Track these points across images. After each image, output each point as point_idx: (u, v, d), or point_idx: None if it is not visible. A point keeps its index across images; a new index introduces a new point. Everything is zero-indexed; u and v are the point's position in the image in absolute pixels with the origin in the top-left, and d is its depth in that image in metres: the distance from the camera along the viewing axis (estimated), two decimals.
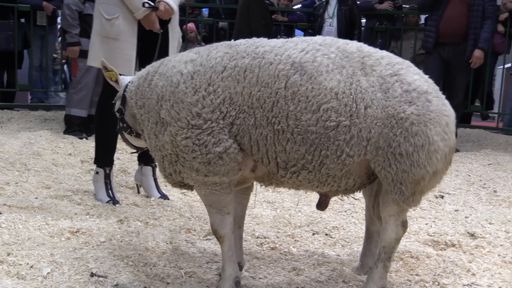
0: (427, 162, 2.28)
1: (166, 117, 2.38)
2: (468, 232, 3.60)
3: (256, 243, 3.29)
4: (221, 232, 2.52)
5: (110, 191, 3.98)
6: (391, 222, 2.46)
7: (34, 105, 8.76)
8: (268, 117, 2.29)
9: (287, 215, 3.87)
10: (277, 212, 3.98)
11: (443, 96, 2.42)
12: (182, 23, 9.20)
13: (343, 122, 2.28)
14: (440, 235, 3.55)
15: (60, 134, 6.59)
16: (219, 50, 2.44)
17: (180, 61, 2.48)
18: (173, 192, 4.34)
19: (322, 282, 2.74)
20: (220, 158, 2.33)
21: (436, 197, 4.59)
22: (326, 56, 2.35)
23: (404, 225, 2.49)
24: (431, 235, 3.57)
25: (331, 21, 8.40)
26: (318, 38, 2.46)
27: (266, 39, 2.51)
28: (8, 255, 2.82)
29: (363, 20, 9.61)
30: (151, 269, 2.77)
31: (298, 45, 2.40)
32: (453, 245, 3.39)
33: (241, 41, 2.50)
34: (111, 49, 3.60)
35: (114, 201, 3.94)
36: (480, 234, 3.56)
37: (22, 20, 8.60)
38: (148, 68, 2.62)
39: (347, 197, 2.70)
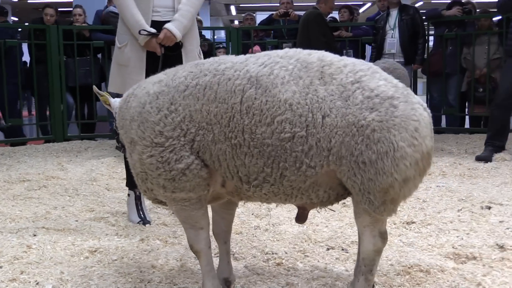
0: (393, 170, 2.19)
1: (135, 137, 2.49)
2: (497, 244, 3.36)
3: (262, 259, 3.28)
4: (196, 247, 2.57)
5: (141, 212, 4.15)
6: (367, 233, 2.39)
7: (112, 134, 9.30)
8: (225, 132, 2.33)
9: (310, 231, 3.83)
10: (303, 228, 3.95)
11: (416, 100, 2.31)
12: (248, 46, 9.46)
13: (299, 133, 2.25)
14: (466, 248, 3.35)
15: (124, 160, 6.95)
16: (185, 69, 2.52)
17: (150, 82, 2.59)
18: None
19: None
20: (184, 175, 2.39)
21: (482, 208, 4.32)
22: (284, 68, 2.34)
23: (382, 236, 2.40)
24: (455, 248, 3.37)
25: (392, 33, 8.23)
26: (280, 51, 2.47)
27: (232, 56, 2.55)
28: (21, 273, 3.04)
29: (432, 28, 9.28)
30: (145, 285, 2.87)
31: (259, 60, 2.42)
32: (474, 258, 3.18)
33: (209, 59, 2.57)
34: (123, 75, 3.81)
35: (144, 221, 4.10)
36: (511, 246, 3.31)
37: (98, 55, 9.23)
38: (130, 90, 2.75)
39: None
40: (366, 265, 2.42)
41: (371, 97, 2.23)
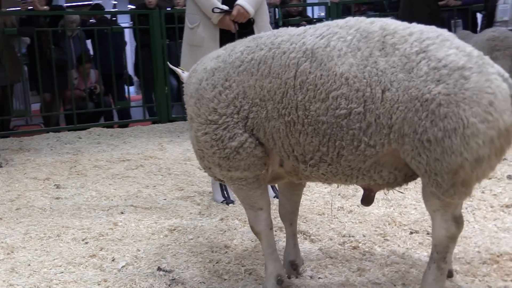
0: (463, 148, 1.95)
1: (192, 113, 2.45)
2: None
3: (339, 241, 3.14)
4: (256, 228, 2.49)
5: (225, 192, 4.16)
6: (438, 217, 2.17)
7: None
8: (278, 109, 2.22)
9: (396, 213, 3.61)
10: (390, 209, 3.74)
11: (494, 70, 2.03)
12: None
13: (355, 109, 2.08)
14: None
15: None
16: (243, 44, 2.43)
17: (209, 57, 2.53)
18: None
19: (380, 284, 2.53)
20: (237, 153, 2.32)
21: None
22: (342, 39, 2.17)
23: (457, 220, 2.17)
24: None
25: None
26: (341, 21, 2.29)
27: (293, 28, 2.41)
28: (101, 250, 3.16)
29: None
30: (213, 265, 2.85)
31: (318, 31, 2.26)
32: None
33: (267, 32, 2.46)
34: (197, 55, 3.78)
35: (228, 201, 4.11)
36: None
37: None
38: (194, 65, 2.70)
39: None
40: (438, 252, 2.20)
41: (438, 68, 2.00)
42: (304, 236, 3.27)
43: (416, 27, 2.17)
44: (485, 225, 3.30)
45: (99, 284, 2.72)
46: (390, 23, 2.20)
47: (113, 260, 3.00)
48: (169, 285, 2.66)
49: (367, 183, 2.28)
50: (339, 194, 4.18)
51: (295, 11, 9.54)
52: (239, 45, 2.45)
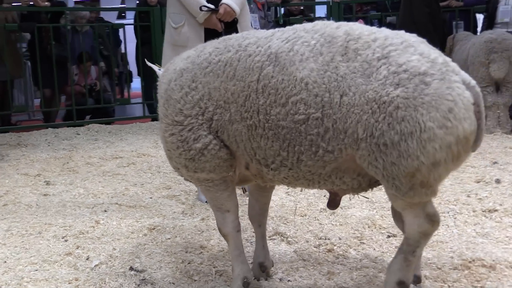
0: (419, 152, 1.94)
1: (160, 113, 2.45)
2: None
3: (314, 244, 3.13)
4: (223, 230, 2.49)
5: None
6: (408, 215, 2.14)
7: None
8: (241, 112, 2.21)
9: (378, 216, 3.60)
10: (372, 212, 3.72)
11: (458, 79, 1.99)
12: (349, 21, 9.10)
13: (313, 115, 2.07)
14: None
15: None
16: (212, 45, 2.43)
17: (180, 57, 2.53)
18: (279, 192, 4.33)
19: (347, 287, 2.51)
20: (202, 154, 2.32)
21: None
22: (306, 44, 2.16)
23: (430, 218, 2.12)
24: None
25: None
26: (308, 25, 2.28)
27: (261, 30, 2.41)
28: (77, 248, 3.18)
29: None
30: (185, 266, 2.85)
31: (284, 34, 2.26)
32: None
33: (237, 34, 2.45)
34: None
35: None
36: None
37: None
38: (167, 64, 2.69)
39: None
40: (408, 244, 2.17)
41: (398, 72, 1.98)
42: (282, 238, 3.27)
43: (382, 32, 2.15)
44: (464, 229, 3.28)
45: (69, 283, 2.73)
46: (355, 28, 2.19)
47: (87, 259, 3.01)
48: (139, 285, 2.67)
49: (329, 187, 2.27)
50: (324, 196, 4.16)
51: (296, 10, 9.52)
52: (209, 46, 2.44)
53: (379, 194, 4.06)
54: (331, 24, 2.24)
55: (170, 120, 2.38)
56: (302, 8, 9.74)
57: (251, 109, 2.18)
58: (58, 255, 3.09)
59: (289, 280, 2.68)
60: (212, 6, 3.85)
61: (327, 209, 2.62)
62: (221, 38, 2.48)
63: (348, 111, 2.02)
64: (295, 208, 3.76)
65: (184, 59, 2.48)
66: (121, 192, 4.53)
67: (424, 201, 2.11)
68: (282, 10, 9.56)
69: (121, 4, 17.40)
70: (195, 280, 2.71)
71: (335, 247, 3.05)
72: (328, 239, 3.17)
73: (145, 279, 2.72)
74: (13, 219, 3.84)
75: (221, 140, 2.31)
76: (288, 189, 4.22)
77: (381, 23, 8.96)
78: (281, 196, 4.17)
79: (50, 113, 8.84)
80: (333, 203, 2.45)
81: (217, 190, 2.42)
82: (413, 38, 2.14)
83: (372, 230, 3.34)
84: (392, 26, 8.77)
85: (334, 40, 2.13)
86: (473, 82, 2.05)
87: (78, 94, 8.77)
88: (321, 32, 2.19)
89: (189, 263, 2.89)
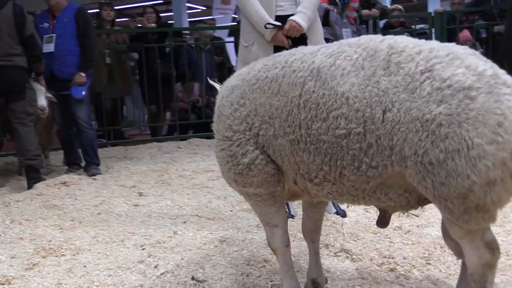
0: (470, 171, 1.83)
1: (214, 129, 2.55)
2: None
3: (377, 263, 3.07)
4: (272, 245, 2.53)
5: (288, 206, 4.20)
6: (466, 245, 2.03)
7: None
8: (284, 127, 2.25)
9: None
10: None
11: (509, 91, 1.87)
12: (453, 32, 8.77)
13: (355, 129, 2.05)
14: None
15: None
16: (262, 62, 2.49)
17: (235, 75, 2.61)
18: (358, 208, 4.27)
19: None
20: (250, 169, 2.38)
21: None
22: (348, 58, 2.15)
23: (489, 246, 1.99)
24: None
25: None
26: (354, 39, 2.27)
27: (310, 46, 2.43)
28: (149, 257, 3.36)
29: None
30: (243, 278, 2.92)
31: (329, 49, 2.27)
32: None
33: (286, 51, 2.49)
34: None
35: (289, 215, 4.14)
36: None
37: None
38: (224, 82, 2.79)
39: None
40: (475, 281, 2.03)
41: (442, 88, 1.91)
42: (347, 254, 3.23)
43: (428, 44, 2.08)
44: None
45: None
46: (400, 41, 2.14)
47: (155, 267, 3.18)
48: None
49: (375, 204, 2.24)
50: (405, 213, 4.04)
51: (396, 22, 9.32)
52: (259, 64, 2.51)
53: None
54: (376, 38, 2.21)
55: (221, 136, 2.47)
56: (402, 20, 9.52)
57: (293, 123, 2.22)
58: (132, 262, 3.29)
59: None
60: (277, 23, 3.92)
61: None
62: (273, 55, 2.54)
63: (393, 128, 1.98)
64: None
65: (236, 76, 2.57)
66: (204, 205, 4.71)
67: (482, 227, 1.98)
68: (382, 23, 9.40)
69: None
70: None
71: (398, 267, 2.97)
72: (393, 258, 3.10)
73: None
74: (102, 227, 4.14)
75: (268, 155, 2.36)
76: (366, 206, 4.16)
77: (488, 33, 8.52)
78: (358, 213, 4.12)
79: (156, 127, 9.37)
80: (382, 221, 2.41)
81: (266, 205, 2.47)
82: (461, 49, 2.05)
83: (443, 251, 3.21)
84: (500, 36, 8.36)
85: (377, 54, 2.10)
86: None
87: (182, 110, 9.22)
88: (364, 46, 2.17)
89: (247, 275, 2.95)
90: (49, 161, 6.99)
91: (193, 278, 2.95)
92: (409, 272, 2.91)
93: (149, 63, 8.95)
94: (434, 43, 2.10)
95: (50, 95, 6.16)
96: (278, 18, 3.91)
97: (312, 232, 2.71)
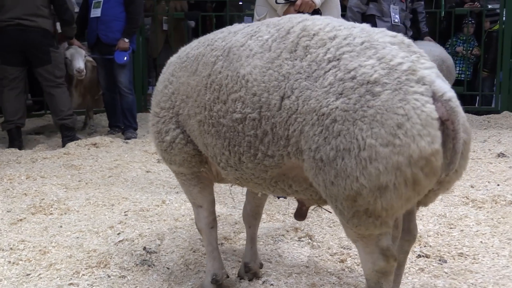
0: (359, 173, 1.70)
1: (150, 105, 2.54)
2: None
3: (331, 252, 2.96)
4: (198, 225, 2.51)
5: None
6: (360, 248, 1.91)
7: None
8: (194, 107, 2.19)
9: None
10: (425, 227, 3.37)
11: (421, 90, 1.69)
12: None
13: (250, 115, 1.96)
14: None
15: None
16: (201, 39, 2.41)
17: (180, 50, 2.55)
18: None
19: None
20: (172, 148, 2.35)
21: None
22: (260, 38, 2.05)
23: (384, 253, 1.85)
24: None
25: None
26: (275, 18, 2.15)
27: (241, 24, 2.33)
28: (120, 223, 3.46)
29: None
30: (192, 254, 2.94)
31: (249, 28, 2.16)
32: None
33: (221, 29, 2.40)
34: None
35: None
36: None
37: None
38: None
39: None
40: (370, 287, 1.92)
41: (344, 80, 1.77)
42: (309, 240, 3.15)
43: (349, 30, 1.91)
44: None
45: (84, 252, 2.98)
46: (319, 23, 1.97)
47: (118, 234, 3.26)
48: (137, 264, 2.82)
49: (282, 194, 2.15)
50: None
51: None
52: (196, 41, 2.44)
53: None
54: (297, 18, 2.07)
55: (152, 111, 2.45)
56: None
57: (200, 104, 2.16)
58: (104, 227, 3.39)
59: (271, 284, 2.60)
60: None
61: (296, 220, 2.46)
62: (215, 32, 2.46)
63: (289, 117, 1.86)
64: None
65: (178, 52, 2.52)
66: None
67: (374, 233, 1.84)
68: None
69: None
70: (190, 269, 2.78)
71: (349, 258, 2.86)
72: (350, 249, 2.97)
73: (147, 260, 2.87)
74: (102, 190, 4.29)
75: (188, 135, 2.32)
76: None
77: None
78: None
79: None
80: (299, 213, 2.32)
81: (190, 184, 2.45)
82: (385, 38, 1.85)
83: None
84: None
85: (288, 35, 1.98)
86: (448, 95, 1.70)
87: None
88: (279, 26, 2.05)
89: (194, 251, 2.96)
90: (93, 121, 7.30)
91: (144, 249, 3.00)
92: (357, 265, 2.79)
93: (205, 32, 8.97)
94: (357, 29, 1.92)
95: (90, 59, 6.39)
96: None
97: (250, 218, 2.66)
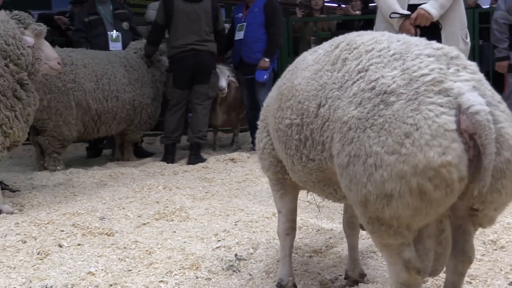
0: (366, 179, 1.75)
1: None
2: None
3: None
4: (277, 229, 2.68)
5: None
6: (386, 258, 1.93)
7: None
8: (271, 116, 2.42)
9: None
10: None
11: (440, 101, 1.68)
12: None
13: (295, 121, 2.15)
14: None
15: None
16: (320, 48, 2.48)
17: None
18: None
19: None
20: (263, 153, 2.57)
21: None
22: (315, 53, 2.23)
23: (406, 265, 1.85)
24: None
25: None
26: (343, 36, 2.20)
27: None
28: (224, 231, 3.70)
29: None
30: (273, 264, 3.05)
31: (320, 45, 2.34)
32: None
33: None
34: None
35: None
36: None
37: None
38: None
39: None
40: None
41: (365, 90, 1.84)
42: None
43: (389, 43, 1.95)
44: None
45: (187, 256, 3.26)
46: (367, 38, 2.04)
47: (218, 241, 3.50)
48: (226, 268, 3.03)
49: (331, 200, 2.33)
50: None
51: None
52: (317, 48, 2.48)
53: None
54: (355, 34, 2.16)
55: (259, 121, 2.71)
56: None
57: (270, 112, 2.42)
58: (210, 234, 3.66)
59: None
60: (405, 12, 3.77)
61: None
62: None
63: (323, 124, 2.00)
64: None
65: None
66: None
67: (391, 243, 1.84)
68: None
69: None
70: (270, 277, 2.90)
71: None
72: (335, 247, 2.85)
73: (234, 266, 3.05)
74: (223, 201, 4.59)
75: None
76: None
77: None
78: None
79: None
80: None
81: (274, 189, 2.64)
82: (428, 50, 1.85)
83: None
84: None
85: (335, 49, 2.11)
86: (476, 108, 1.65)
87: None
88: (334, 41, 2.19)
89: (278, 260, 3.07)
90: (237, 139, 7.76)
91: (235, 255, 3.19)
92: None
93: None
94: (395, 44, 1.94)
95: (233, 79, 6.86)
96: (411, 7, 3.80)
97: (345, 227, 2.75)
